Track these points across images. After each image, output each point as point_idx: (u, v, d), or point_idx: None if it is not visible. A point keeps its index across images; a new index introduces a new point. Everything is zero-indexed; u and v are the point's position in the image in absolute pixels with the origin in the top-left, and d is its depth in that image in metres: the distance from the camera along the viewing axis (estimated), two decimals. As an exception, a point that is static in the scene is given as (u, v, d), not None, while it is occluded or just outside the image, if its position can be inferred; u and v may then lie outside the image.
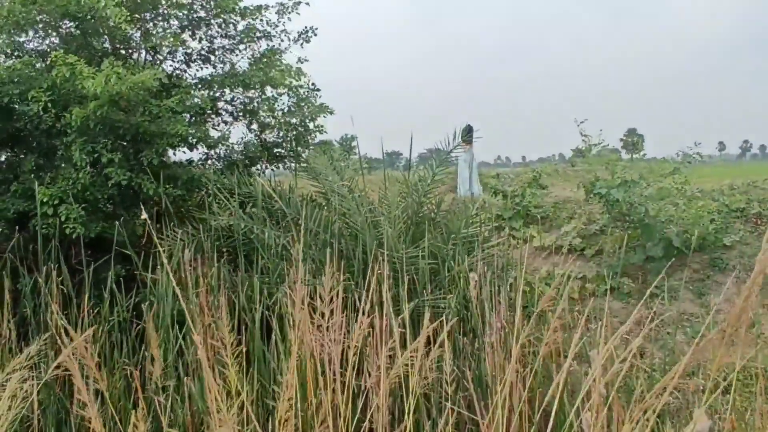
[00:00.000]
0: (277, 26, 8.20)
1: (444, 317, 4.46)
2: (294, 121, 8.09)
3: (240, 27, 8.12)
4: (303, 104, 8.10)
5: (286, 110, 8.18)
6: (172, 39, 7.33)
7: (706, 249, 7.85)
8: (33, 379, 3.48)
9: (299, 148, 8.13)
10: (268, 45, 8.21)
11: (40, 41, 7.68)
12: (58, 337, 4.13)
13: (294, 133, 8.09)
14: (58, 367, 2.98)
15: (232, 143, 8.07)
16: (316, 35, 8.38)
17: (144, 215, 2.86)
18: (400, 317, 3.95)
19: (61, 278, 5.21)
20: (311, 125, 8.14)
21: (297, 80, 7.91)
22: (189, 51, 8.07)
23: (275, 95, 8.11)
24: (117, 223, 5.75)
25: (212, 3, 7.82)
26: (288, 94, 8.14)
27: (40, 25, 7.35)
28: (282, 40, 8.24)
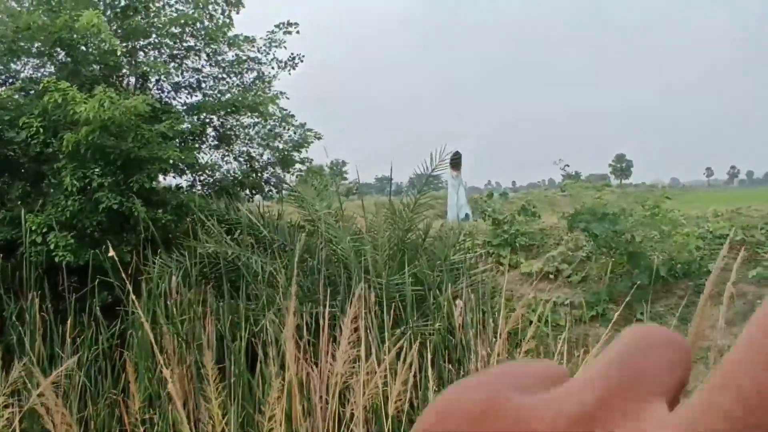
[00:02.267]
0: (267, 53, 8.31)
1: (428, 344, 4.50)
2: (282, 146, 8.17)
3: (230, 56, 8.22)
4: (290, 132, 8.21)
5: (271, 135, 8.26)
6: (161, 68, 7.42)
7: (691, 275, 7.91)
8: (14, 406, 3.48)
9: (286, 174, 8.21)
10: (258, 72, 8.31)
11: (34, 69, 7.75)
12: (38, 367, 4.13)
13: (281, 157, 8.16)
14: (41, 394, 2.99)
15: (221, 168, 8.13)
16: (302, 62, 8.47)
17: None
18: (386, 345, 3.98)
19: (46, 305, 5.20)
20: (297, 154, 8.22)
21: (275, 106, 8.03)
22: (178, 80, 8.15)
23: (262, 122, 8.19)
24: (103, 248, 5.77)
25: (202, 32, 7.92)
26: (271, 120, 8.23)
27: (34, 52, 7.43)
28: (273, 68, 8.35)
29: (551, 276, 8.42)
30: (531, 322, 7.13)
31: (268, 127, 8.30)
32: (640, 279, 7.58)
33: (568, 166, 8.78)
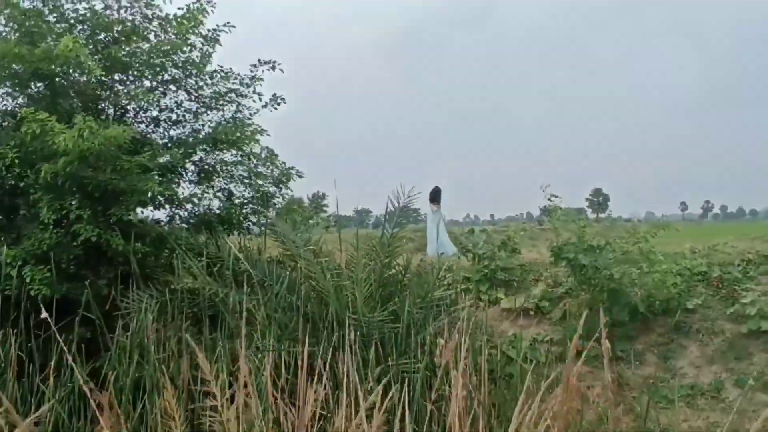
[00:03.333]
0: (249, 86, 8.31)
1: (410, 383, 4.45)
2: (262, 183, 8.14)
3: (209, 91, 8.21)
4: (269, 166, 8.19)
5: (253, 173, 8.25)
6: (142, 97, 7.38)
7: (670, 313, 7.94)
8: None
9: (267, 210, 8.17)
10: (238, 107, 8.31)
11: (10, 101, 7.67)
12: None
13: (260, 194, 8.12)
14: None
15: (201, 203, 8.07)
16: (285, 102, 8.49)
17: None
18: (369, 385, 3.92)
19: (20, 340, 5.09)
20: (278, 192, 8.21)
21: (256, 143, 8.03)
22: (157, 113, 8.11)
23: (242, 157, 8.17)
24: (84, 283, 5.67)
25: (182, 62, 7.91)
26: (252, 156, 8.22)
27: (8, 83, 7.36)
28: (254, 101, 8.35)
29: (531, 312, 8.41)
30: (511, 360, 7.12)
31: (252, 164, 8.28)
32: (620, 316, 7.60)
33: (556, 196, 8.80)
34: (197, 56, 7.98)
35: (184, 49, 7.81)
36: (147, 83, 7.97)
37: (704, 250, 9.67)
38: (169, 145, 7.95)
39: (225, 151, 8.08)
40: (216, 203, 8.23)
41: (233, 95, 8.29)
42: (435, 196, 12.54)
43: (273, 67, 8.29)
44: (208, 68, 8.03)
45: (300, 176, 8.25)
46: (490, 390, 5.24)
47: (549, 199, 8.79)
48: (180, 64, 7.94)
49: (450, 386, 4.74)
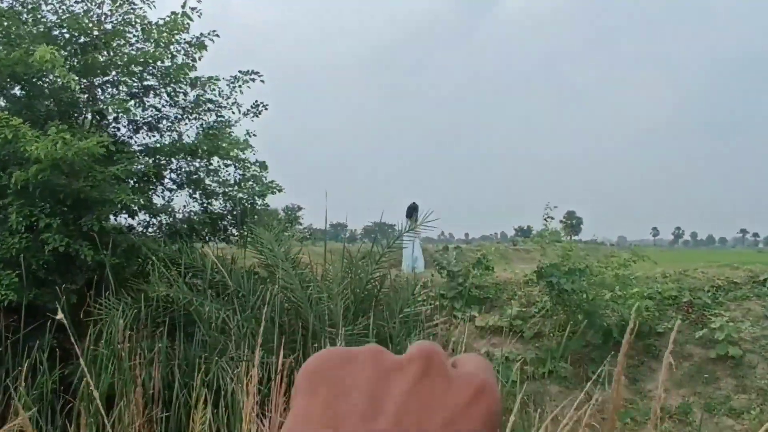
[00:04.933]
0: (229, 97, 8.26)
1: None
2: (241, 196, 8.06)
3: (190, 97, 8.14)
4: (251, 181, 8.13)
5: (232, 182, 8.18)
6: (119, 105, 7.29)
7: (642, 336, 8.03)
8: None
9: (245, 221, 8.09)
10: (218, 116, 8.25)
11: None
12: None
13: (240, 207, 8.03)
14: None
15: (177, 211, 7.98)
16: (267, 109, 8.46)
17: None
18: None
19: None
20: (259, 202, 8.14)
21: (243, 153, 7.95)
22: (136, 119, 8.01)
23: (222, 165, 8.11)
24: (54, 289, 5.56)
25: (162, 72, 7.83)
26: (235, 166, 8.15)
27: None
28: (234, 112, 8.29)
29: (505, 330, 8.44)
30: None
31: (237, 175, 8.23)
32: (594, 338, 7.67)
33: (551, 218, 8.92)
34: (180, 62, 7.90)
35: (165, 59, 7.72)
36: (125, 89, 7.87)
37: (675, 275, 9.81)
38: (146, 153, 7.83)
39: (205, 159, 7.99)
40: (195, 211, 8.12)
41: (212, 105, 8.21)
42: (411, 213, 12.55)
43: (252, 79, 8.25)
44: (192, 74, 7.95)
45: (279, 190, 8.21)
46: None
47: (545, 220, 8.88)
48: (160, 75, 7.86)
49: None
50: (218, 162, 8.06)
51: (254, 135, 8.22)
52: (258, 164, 8.26)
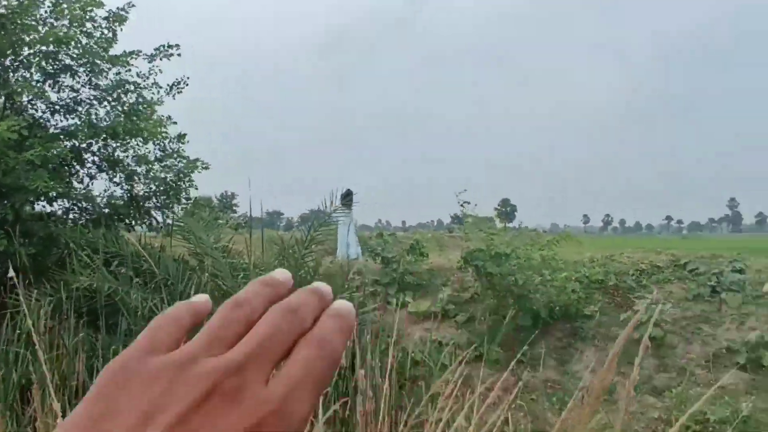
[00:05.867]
0: (147, 77, 8.02)
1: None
2: (164, 176, 7.85)
3: (111, 76, 7.86)
4: (174, 157, 7.91)
5: (153, 160, 7.93)
6: (29, 89, 6.98)
7: (570, 318, 8.26)
8: None
9: (172, 204, 7.88)
10: (138, 97, 7.98)
11: None
12: None
13: (163, 187, 7.81)
14: None
15: (98, 196, 7.71)
16: (187, 85, 8.24)
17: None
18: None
19: None
20: (184, 181, 7.93)
21: (165, 128, 7.74)
22: (52, 101, 7.69)
23: (140, 144, 7.85)
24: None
25: (79, 51, 7.52)
26: (154, 143, 7.90)
27: None
28: (153, 93, 8.05)
29: (438, 316, 8.54)
30: (417, 362, 7.21)
31: (157, 154, 7.99)
32: (523, 321, 7.84)
33: (467, 203, 9.03)
34: (95, 42, 7.60)
35: (79, 37, 7.42)
36: (39, 70, 7.52)
37: (602, 259, 10.12)
38: (63, 136, 7.51)
39: (126, 142, 7.74)
40: (117, 195, 7.87)
41: (132, 86, 7.94)
42: (347, 200, 12.54)
43: (170, 54, 7.99)
44: (112, 51, 7.66)
45: (206, 167, 8.02)
46: (397, 392, 5.28)
47: (461, 206, 8.99)
48: (75, 55, 7.55)
49: (356, 389, 4.76)
50: (138, 142, 7.80)
51: (174, 123, 8.00)
52: (177, 138, 8.03)
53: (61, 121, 7.83)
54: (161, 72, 8.01)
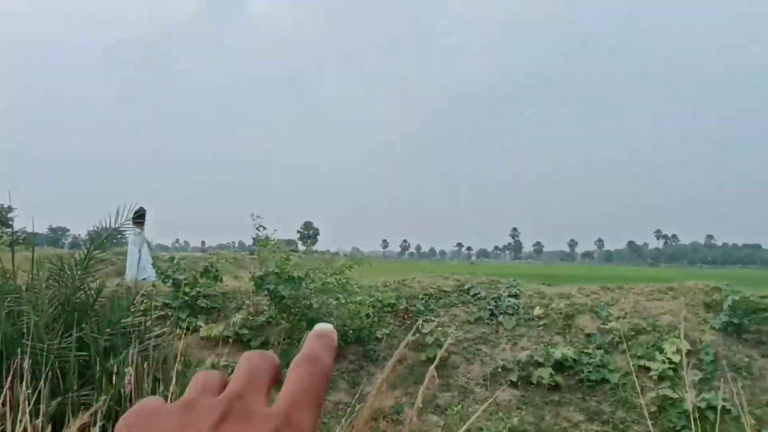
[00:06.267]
0: None
1: (94, 416, 4.10)
2: None
3: None
4: None
5: None
6: None
7: (362, 341, 8.49)
8: None
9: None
10: None
11: None
12: None
13: None
14: None
15: None
16: None
17: None
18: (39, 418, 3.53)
19: None
20: None
21: None
22: None
23: None
24: None
25: None
26: None
27: None
28: None
29: (230, 340, 8.37)
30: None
31: None
32: (317, 344, 7.92)
33: (264, 228, 9.00)
34: None
35: None
36: None
37: (395, 284, 10.54)
38: None
39: None
40: None
41: None
42: (138, 219, 11.92)
43: None
44: None
45: None
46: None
47: (257, 229, 8.93)
48: None
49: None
50: None
51: None
52: None
53: None
54: None
